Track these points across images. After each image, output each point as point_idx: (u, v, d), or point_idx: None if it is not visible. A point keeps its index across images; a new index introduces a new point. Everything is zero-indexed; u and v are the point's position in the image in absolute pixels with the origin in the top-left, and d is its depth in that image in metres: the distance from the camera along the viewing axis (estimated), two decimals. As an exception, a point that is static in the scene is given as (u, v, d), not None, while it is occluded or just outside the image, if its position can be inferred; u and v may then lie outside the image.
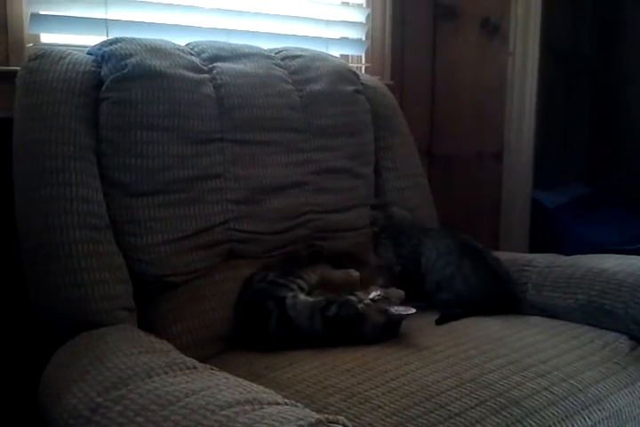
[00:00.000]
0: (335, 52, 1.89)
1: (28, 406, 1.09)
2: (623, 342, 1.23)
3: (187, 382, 0.85)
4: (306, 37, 1.85)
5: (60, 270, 1.15)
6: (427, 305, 1.37)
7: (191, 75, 1.37)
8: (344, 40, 2.00)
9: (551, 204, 2.13)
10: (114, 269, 1.20)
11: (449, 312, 1.34)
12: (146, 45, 1.34)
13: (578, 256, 1.48)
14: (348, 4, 2.03)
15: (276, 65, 1.55)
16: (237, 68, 1.46)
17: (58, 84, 1.25)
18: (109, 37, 1.40)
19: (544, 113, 2.10)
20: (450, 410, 0.94)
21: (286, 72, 1.55)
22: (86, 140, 1.24)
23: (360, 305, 1.20)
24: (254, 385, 0.86)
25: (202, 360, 0.97)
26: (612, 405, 1.06)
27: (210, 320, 1.28)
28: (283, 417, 0.73)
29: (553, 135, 2.34)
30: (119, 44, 1.32)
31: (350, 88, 1.64)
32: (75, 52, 1.33)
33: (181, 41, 1.48)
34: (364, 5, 2.04)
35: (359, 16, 2.02)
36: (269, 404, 0.78)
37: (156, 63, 1.32)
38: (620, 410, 1.07)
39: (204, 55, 1.45)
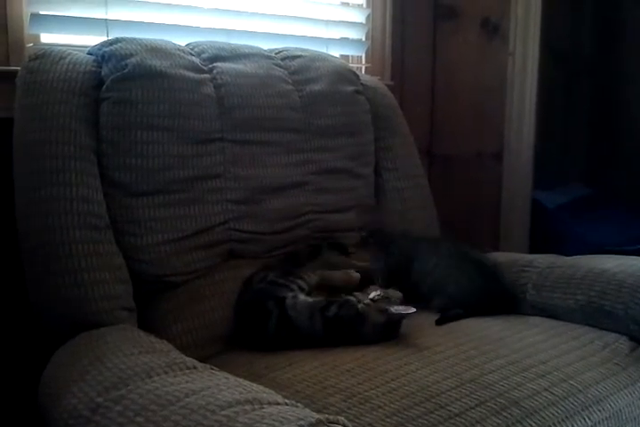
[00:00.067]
0: (335, 52, 1.89)
1: (28, 406, 1.09)
2: (623, 343, 1.23)
3: (187, 382, 0.85)
4: (306, 38, 1.85)
5: (60, 270, 1.15)
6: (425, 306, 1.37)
7: (191, 75, 1.37)
8: (344, 40, 2.00)
9: (551, 204, 2.13)
10: (114, 269, 1.20)
11: (449, 313, 1.34)
12: (146, 45, 1.34)
13: (578, 257, 1.48)
14: (347, 4, 2.03)
15: (276, 65, 1.55)
16: (237, 68, 1.46)
17: (58, 84, 1.25)
18: (109, 37, 1.40)
19: (544, 113, 2.10)
20: (450, 410, 0.94)
21: (286, 72, 1.55)
22: (86, 140, 1.24)
23: (360, 305, 1.20)
24: (254, 385, 0.86)
25: (202, 360, 0.97)
26: (612, 405, 1.06)
27: (210, 320, 1.28)
28: (283, 417, 0.73)
29: (553, 135, 2.34)
30: (119, 44, 1.33)
31: (350, 88, 1.64)
32: (75, 52, 1.33)
33: (181, 41, 1.48)
34: (364, 6, 2.04)
35: (359, 16, 2.02)
36: (269, 404, 0.78)
37: (157, 63, 1.32)
38: (620, 411, 1.07)
39: (204, 55, 1.45)
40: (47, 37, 1.47)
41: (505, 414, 0.95)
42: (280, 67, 1.56)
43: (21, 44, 1.40)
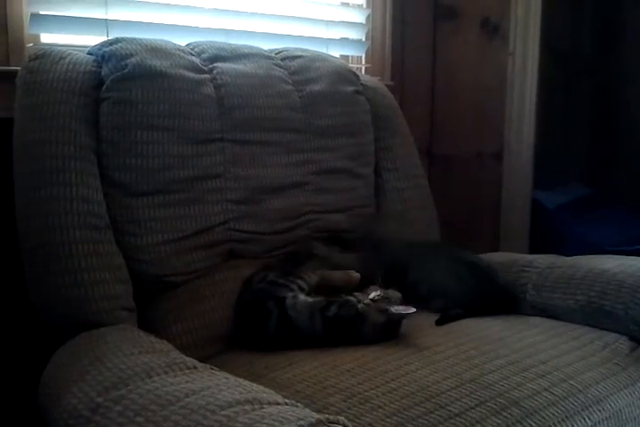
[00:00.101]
0: (335, 52, 1.89)
1: (28, 406, 1.09)
2: (623, 343, 1.23)
3: (187, 382, 0.85)
4: (306, 38, 1.85)
5: (60, 270, 1.15)
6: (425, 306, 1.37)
7: (191, 75, 1.37)
8: (344, 41, 2.00)
9: (551, 204, 2.13)
10: (114, 269, 1.20)
11: (449, 313, 1.34)
12: (146, 45, 1.34)
13: (578, 257, 1.48)
14: (347, 4, 2.03)
15: (276, 65, 1.55)
16: (237, 68, 1.46)
17: (58, 84, 1.25)
18: (109, 37, 1.40)
19: (544, 113, 2.10)
20: (450, 410, 0.94)
21: (286, 72, 1.55)
22: (86, 140, 1.24)
23: (360, 305, 1.20)
24: (254, 385, 0.86)
25: (202, 360, 0.97)
26: (611, 405, 1.06)
27: (210, 320, 1.28)
28: (283, 417, 0.73)
29: (553, 135, 2.34)
30: (119, 44, 1.33)
31: (350, 89, 1.64)
32: (75, 52, 1.33)
33: (181, 41, 1.48)
34: (364, 6, 2.04)
35: (359, 16, 2.02)
36: (269, 404, 0.78)
37: (157, 63, 1.32)
38: (620, 411, 1.07)
39: (204, 55, 1.45)
40: (47, 37, 1.47)
41: (505, 414, 0.95)
42: (280, 67, 1.56)
43: (21, 44, 1.40)
